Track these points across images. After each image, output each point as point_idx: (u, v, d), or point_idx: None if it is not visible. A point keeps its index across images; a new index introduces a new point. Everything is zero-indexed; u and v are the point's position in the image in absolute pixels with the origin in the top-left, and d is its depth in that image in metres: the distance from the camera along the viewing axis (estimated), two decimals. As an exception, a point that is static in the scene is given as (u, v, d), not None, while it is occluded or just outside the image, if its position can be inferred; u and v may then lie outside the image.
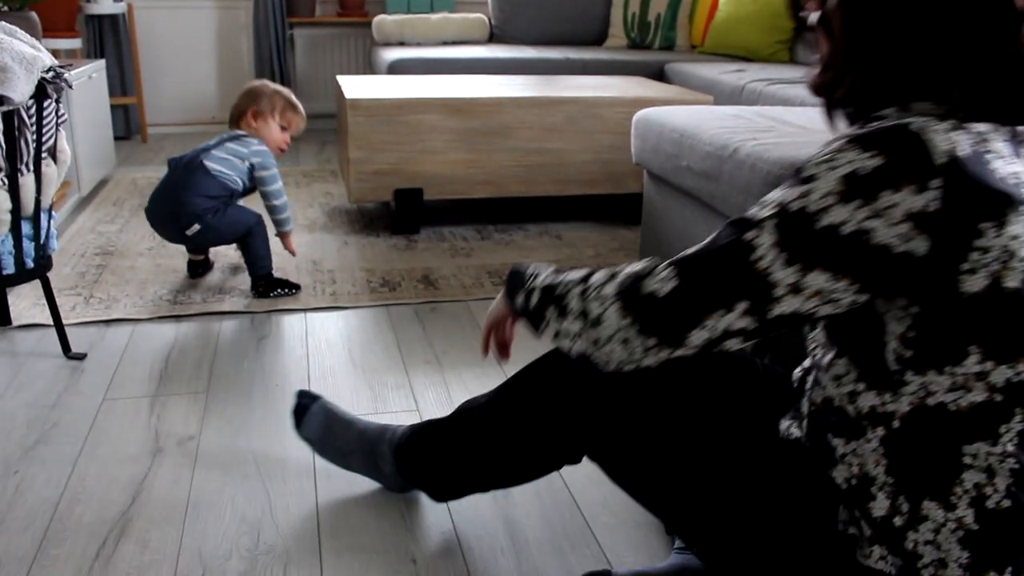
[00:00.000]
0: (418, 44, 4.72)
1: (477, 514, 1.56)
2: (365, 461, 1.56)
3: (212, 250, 2.84)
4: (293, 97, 2.75)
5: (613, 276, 1.06)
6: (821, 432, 1.06)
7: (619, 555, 1.48)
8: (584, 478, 1.68)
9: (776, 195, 0.96)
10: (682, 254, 1.02)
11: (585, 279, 1.10)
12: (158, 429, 1.83)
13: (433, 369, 2.13)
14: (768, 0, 4.57)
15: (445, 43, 4.79)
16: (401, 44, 4.71)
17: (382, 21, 4.76)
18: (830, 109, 1.07)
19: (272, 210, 2.64)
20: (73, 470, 1.67)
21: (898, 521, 0.99)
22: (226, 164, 2.54)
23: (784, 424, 1.17)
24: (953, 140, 0.89)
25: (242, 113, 2.68)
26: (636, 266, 1.06)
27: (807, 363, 1.17)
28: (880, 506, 1.00)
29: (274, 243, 2.66)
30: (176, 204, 2.51)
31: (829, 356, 1.05)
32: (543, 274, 1.18)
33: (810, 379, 1.13)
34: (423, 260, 2.92)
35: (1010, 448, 0.95)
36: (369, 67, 5.06)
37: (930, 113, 0.95)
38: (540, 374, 1.26)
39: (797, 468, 1.09)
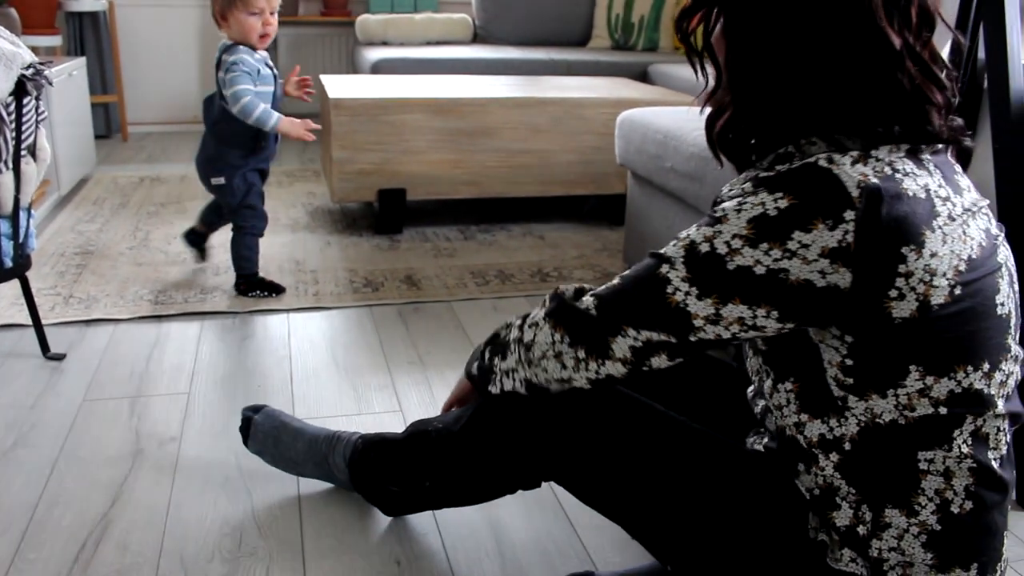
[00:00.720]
0: (401, 44, 4.71)
1: (461, 516, 1.56)
2: (319, 471, 1.55)
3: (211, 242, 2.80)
4: None
5: (546, 303, 1.13)
6: (783, 448, 1.07)
7: (604, 556, 1.47)
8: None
9: (690, 232, 0.97)
10: (603, 288, 1.06)
11: (523, 318, 1.17)
12: (139, 431, 1.81)
13: (416, 369, 2.12)
14: (751, 2, 4.58)
15: (429, 43, 4.78)
16: (384, 44, 4.69)
17: (365, 21, 4.74)
18: (718, 139, 1.05)
19: (242, 117, 2.41)
20: (52, 472, 1.65)
21: (861, 530, 0.99)
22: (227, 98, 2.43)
23: (749, 440, 1.18)
24: (861, 171, 0.89)
25: (216, 23, 2.46)
26: (568, 289, 1.12)
27: (752, 389, 1.18)
28: (843, 515, 1.00)
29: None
30: (205, 151, 2.56)
31: (768, 383, 1.06)
32: (488, 336, 1.25)
33: (760, 404, 1.13)
34: (406, 260, 2.91)
35: (965, 449, 0.96)
36: (352, 67, 5.04)
37: (829, 146, 0.94)
38: (499, 402, 1.24)
39: (764, 478, 1.09)
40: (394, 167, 3.12)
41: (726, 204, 0.95)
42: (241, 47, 2.40)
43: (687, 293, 0.96)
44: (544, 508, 1.59)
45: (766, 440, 1.11)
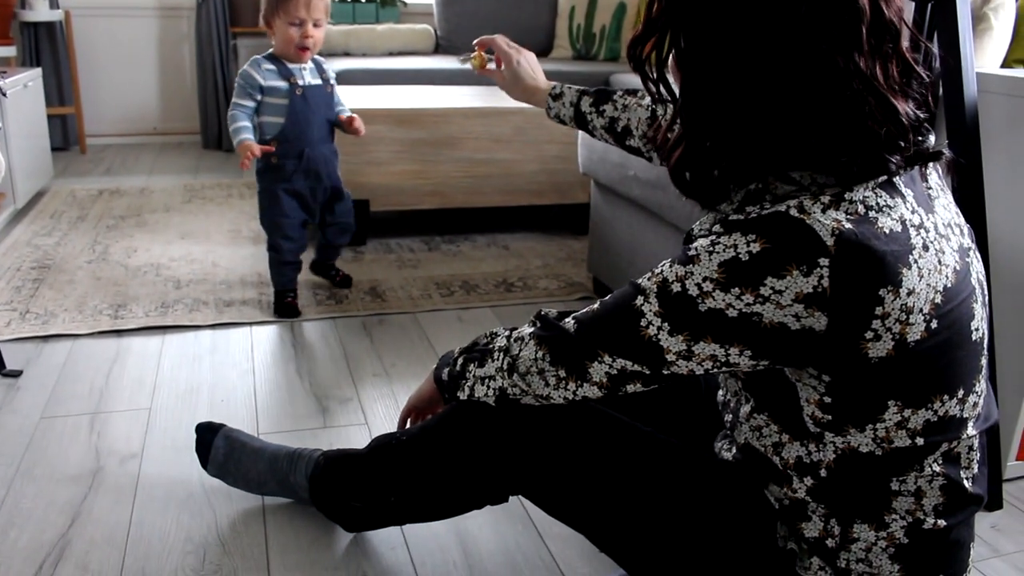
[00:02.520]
0: (364, 55, 4.69)
1: (429, 529, 1.54)
2: (281, 489, 1.53)
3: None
4: None
5: (532, 323, 1.13)
6: (753, 464, 1.07)
7: (573, 568, 1.47)
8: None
9: (664, 267, 0.96)
10: (583, 312, 1.07)
11: (511, 330, 1.18)
12: (98, 448, 1.78)
13: (382, 382, 2.11)
14: (711, 12, 4.62)
15: (391, 54, 4.77)
16: (347, 55, 4.67)
17: (327, 31, 4.71)
18: (674, 174, 1.02)
19: None
20: (8, 492, 1.62)
21: (830, 543, 1.00)
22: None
23: (717, 445, 1.18)
24: (834, 217, 0.86)
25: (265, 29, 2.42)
26: (552, 312, 1.12)
27: (723, 396, 1.18)
28: (813, 527, 1.01)
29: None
30: None
31: (746, 408, 1.06)
32: (466, 344, 1.25)
33: (729, 416, 1.13)
34: (370, 272, 2.90)
35: (937, 468, 0.96)
36: (314, 77, 5.01)
37: (803, 188, 0.92)
38: (464, 415, 1.24)
39: (733, 487, 1.09)
40: (357, 178, 3.10)
41: (699, 243, 0.93)
42: (261, 59, 2.36)
43: (660, 328, 0.95)
44: (513, 520, 1.59)
45: (734, 451, 1.11)
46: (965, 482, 0.99)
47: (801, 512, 1.02)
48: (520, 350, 1.11)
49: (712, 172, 0.98)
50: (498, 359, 1.15)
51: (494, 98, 3.48)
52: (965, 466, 0.99)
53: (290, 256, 2.50)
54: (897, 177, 0.92)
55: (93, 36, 4.85)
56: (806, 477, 0.99)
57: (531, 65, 1.61)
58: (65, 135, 4.77)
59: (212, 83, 4.84)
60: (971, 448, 0.99)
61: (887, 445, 0.94)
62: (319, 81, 2.42)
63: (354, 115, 2.47)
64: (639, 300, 0.97)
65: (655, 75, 1.00)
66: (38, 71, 3.81)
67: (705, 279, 0.90)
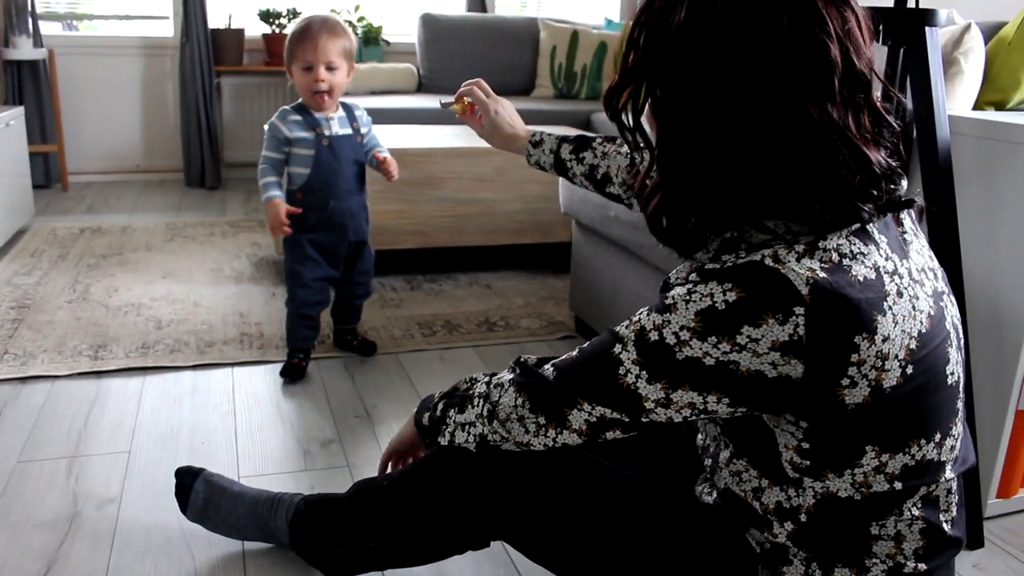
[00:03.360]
0: (347, 93, 4.71)
1: (410, 572, 1.53)
2: (262, 534, 1.51)
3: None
4: (300, 22, 2.23)
5: (512, 369, 1.14)
6: (733, 508, 1.07)
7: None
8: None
9: (641, 315, 0.97)
10: (562, 359, 1.08)
11: (490, 376, 1.18)
12: (76, 492, 1.76)
13: (363, 424, 2.10)
14: (691, 53, 4.68)
15: (374, 92, 4.80)
16: (329, 93, 4.70)
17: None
18: (651, 222, 1.03)
19: None
20: (-15, 538, 1.60)
21: None
22: None
23: (698, 489, 1.19)
24: (808, 267, 0.87)
25: None
26: (531, 358, 1.14)
27: (702, 440, 1.19)
28: (794, 571, 1.02)
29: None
30: None
31: (726, 454, 1.06)
32: (446, 389, 1.26)
33: (709, 461, 1.14)
34: (352, 311, 2.89)
35: (916, 512, 0.97)
36: (297, 115, 5.03)
37: (778, 237, 0.93)
38: (446, 460, 1.23)
39: (714, 531, 1.09)
40: (339, 217, 3.10)
41: (676, 292, 0.94)
42: (288, 110, 2.26)
43: (638, 376, 0.96)
44: (495, 564, 1.58)
45: (715, 495, 1.12)
46: (944, 525, 0.99)
47: (782, 556, 1.02)
48: (500, 397, 1.11)
49: (688, 220, 0.99)
50: (478, 405, 1.15)
51: (476, 138, 3.49)
52: (944, 509, 1.00)
53: (307, 309, 2.35)
54: (871, 224, 0.94)
55: (76, 74, 4.86)
56: (786, 522, 1.00)
57: (508, 113, 1.66)
58: (47, 173, 4.77)
59: (195, 121, 4.85)
60: (950, 491, 1.00)
61: (866, 490, 0.95)
62: (348, 131, 2.30)
63: (388, 157, 2.35)
64: (617, 348, 0.98)
65: (631, 124, 1.01)
66: (20, 109, 3.81)
67: (682, 328, 0.91)
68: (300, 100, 2.28)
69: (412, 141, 3.30)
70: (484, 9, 5.41)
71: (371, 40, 5.15)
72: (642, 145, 1.03)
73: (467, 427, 1.17)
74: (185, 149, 4.93)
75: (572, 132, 1.60)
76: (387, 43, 5.23)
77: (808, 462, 0.95)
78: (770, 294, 0.87)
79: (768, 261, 0.89)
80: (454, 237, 3.28)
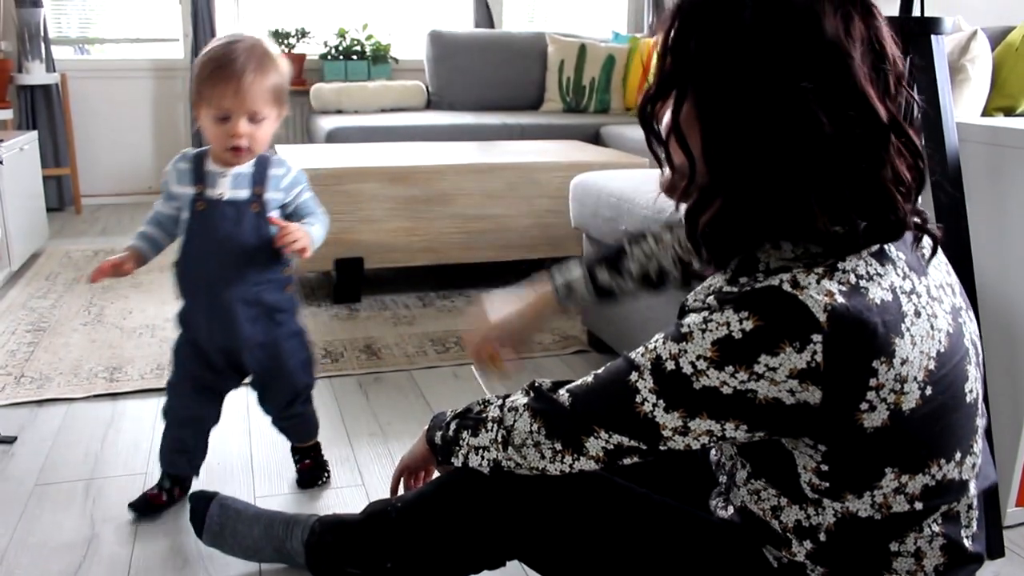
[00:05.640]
0: (356, 112, 4.75)
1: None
2: (278, 556, 1.51)
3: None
4: (215, 50, 1.58)
5: (525, 392, 1.12)
6: (750, 527, 1.07)
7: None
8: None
9: (657, 343, 0.96)
10: (577, 384, 1.06)
11: (503, 399, 1.16)
12: (93, 515, 1.77)
13: (378, 441, 2.11)
14: (698, 64, 4.70)
15: (383, 110, 4.83)
16: (339, 112, 4.73)
17: (320, 89, 4.78)
18: (705, 237, 0.99)
19: None
20: (2, 561, 1.61)
21: None
22: None
23: (712, 503, 1.18)
24: (827, 290, 0.86)
25: None
26: (546, 382, 1.12)
27: (716, 456, 1.18)
28: None
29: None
30: None
31: (743, 473, 1.06)
32: (459, 409, 1.23)
33: (724, 478, 1.13)
34: (365, 329, 2.90)
35: (936, 528, 0.96)
36: (307, 135, 5.07)
37: (796, 258, 0.92)
38: (459, 480, 1.23)
39: (731, 547, 1.09)
40: (351, 236, 3.12)
41: (691, 319, 0.93)
42: (186, 153, 1.70)
43: (655, 405, 0.95)
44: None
45: (731, 511, 1.11)
46: (965, 541, 0.99)
47: (800, 573, 1.01)
48: (515, 421, 1.10)
49: (724, 230, 0.96)
50: (492, 430, 1.14)
51: (486, 153, 3.52)
52: (965, 525, 0.99)
53: (175, 430, 1.79)
54: (888, 243, 0.93)
55: (89, 97, 4.90)
56: (805, 541, 0.99)
57: (509, 305, 1.54)
58: (60, 196, 4.81)
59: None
60: (970, 507, 0.99)
61: (886, 510, 0.94)
62: (243, 194, 1.64)
63: (297, 226, 1.65)
64: (633, 376, 0.97)
65: (672, 131, 0.96)
66: (34, 134, 3.85)
67: (699, 357, 0.91)
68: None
69: (422, 158, 3.31)
70: (492, 25, 5.44)
71: (380, 58, 5.19)
72: (665, 155, 1.00)
73: (481, 451, 1.16)
74: (197, 170, 4.96)
75: (573, 262, 1.49)
76: (396, 61, 5.26)
77: (827, 484, 0.94)
78: (787, 322, 0.86)
79: (786, 286, 0.88)
80: (466, 253, 3.29)
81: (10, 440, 2.07)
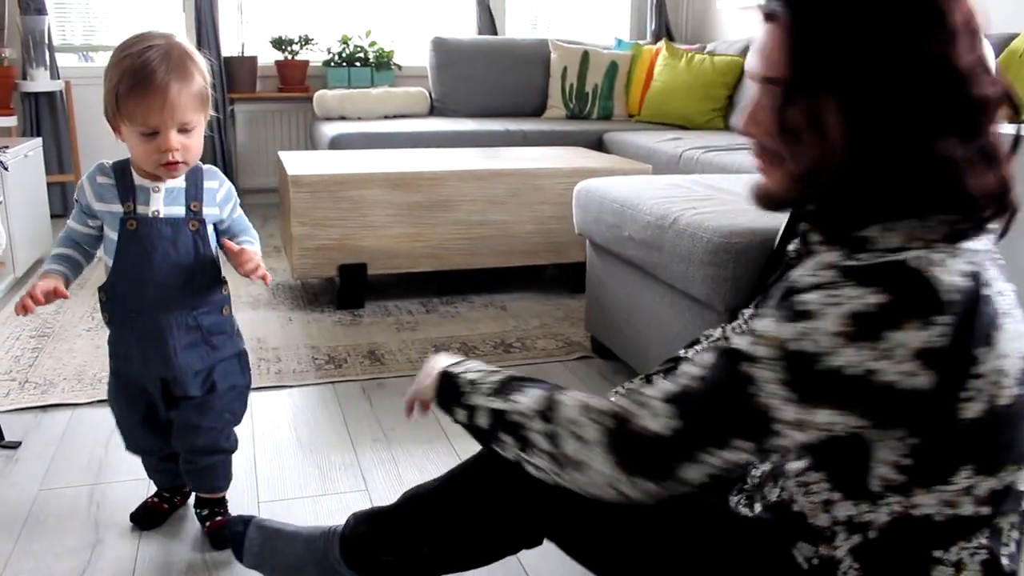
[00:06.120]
0: (359, 118, 4.76)
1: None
2: (319, 571, 1.49)
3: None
4: (130, 57, 1.45)
5: (586, 410, 1.03)
6: (785, 522, 1.06)
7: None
8: (538, 559, 1.66)
9: (769, 328, 0.91)
10: (676, 388, 0.98)
11: (545, 412, 1.07)
12: (98, 520, 1.77)
13: (381, 447, 2.11)
14: (702, 69, 4.71)
15: (387, 117, 4.84)
16: (342, 119, 4.74)
17: (323, 96, 4.79)
18: (800, 217, 0.99)
19: None
20: (6, 567, 1.61)
21: None
22: None
23: (733, 500, 1.18)
24: (952, 270, 0.86)
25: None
26: (621, 404, 1.01)
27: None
28: None
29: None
30: None
31: (798, 465, 1.04)
32: (483, 385, 1.17)
33: (758, 472, 1.13)
34: (369, 335, 2.91)
35: (984, 540, 0.95)
36: (311, 142, 5.08)
37: (917, 237, 0.90)
38: (495, 458, 1.24)
39: (756, 543, 1.09)
40: (354, 242, 3.13)
41: (810, 297, 0.89)
42: (103, 167, 1.56)
43: (776, 397, 0.90)
44: (513, 586, 1.58)
45: (758, 508, 1.11)
46: (1003, 559, 0.98)
47: (831, 573, 1.01)
48: (587, 458, 1.01)
49: (853, 208, 0.95)
50: (548, 461, 1.06)
51: (489, 160, 3.53)
52: (1005, 543, 0.98)
53: (147, 459, 1.76)
54: (985, 238, 0.93)
55: (92, 104, 4.86)
56: (854, 535, 0.98)
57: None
58: (64, 202, 4.81)
59: (210, 148, 4.90)
60: (1013, 525, 0.98)
61: (949, 510, 0.93)
62: (178, 210, 1.54)
63: (247, 248, 1.58)
64: (745, 366, 0.92)
65: (810, 126, 0.94)
66: (38, 141, 3.86)
67: (826, 334, 0.86)
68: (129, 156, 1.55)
69: (425, 164, 3.32)
70: (495, 31, 5.45)
71: (383, 65, 5.20)
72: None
73: (526, 463, 1.11)
74: (200, 176, 4.97)
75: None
76: (399, 67, 5.27)
77: (904, 478, 0.93)
78: (914, 299, 0.84)
79: (912, 263, 0.86)
80: (468, 259, 3.29)
81: (14, 445, 2.07)
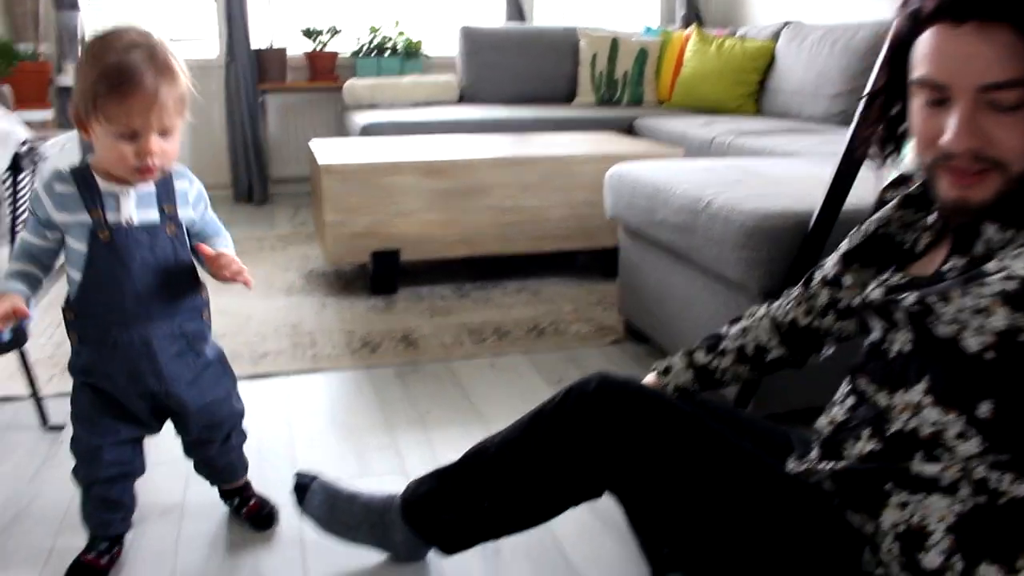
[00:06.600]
0: (390, 107, 4.77)
1: (467, 573, 1.55)
2: (373, 532, 1.52)
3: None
4: (110, 57, 1.35)
5: None
6: (862, 479, 1.07)
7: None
8: (574, 533, 1.67)
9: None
10: None
11: None
12: (140, 500, 1.79)
13: (418, 429, 2.12)
14: (732, 54, 4.67)
15: (416, 105, 4.85)
16: (372, 107, 4.75)
17: (353, 85, 4.81)
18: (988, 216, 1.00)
19: None
20: (52, 551, 1.64)
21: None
22: None
23: (791, 465, 1.19)
24: None
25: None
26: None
27: (841, 415, 1.17)
28: (931, 560, 1.00)
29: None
30: None
31: (957, 428, 1.01)
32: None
33: (862, 429, 1.11)
34: (402, 320, 2.92)
35: None
36: (341, 131, 5.10)
37: None
38: (558, 412, 1.27)
39: (814, 508, 1.10)
40: (387, 229, 3.14)
41: None
42: (60, 174, 1.42)
43: None
44: (552, 565, 1.58)
45: (828, 465, 1.12)
46: None
47: (919, 542, 1.01)
48: None
49: None
50: None
51: (520, 146, 3.53)
52: None
53: (98, 489, 1.55)
54: None
55: (126, 97, 4.95)
56: (980, 496, 0.98)
57: None
58: (100, 194, 4.87)
59: (242, 138, 4.94)
60: None
61: None
62: (152, 216, 1.45)
63: (223, 251, 1.51)
64: None
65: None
66: (73, 133, 3.89)
67: None
68: (84, 159, 1.45)
69: (457, 152, 3.33)
70: (523, 19, 5.44)
71: (411, 54, 5.21)
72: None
73: None
74: (233, 166, 5.02)
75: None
76: (427, 57, 5.28)
77: None
78: None
79: None
80: (501, 245, 3.30)
81: (59, 428, 2.11)
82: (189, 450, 1.68)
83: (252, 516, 1.71)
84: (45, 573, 1.56)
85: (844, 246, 1.26)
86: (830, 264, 1.28)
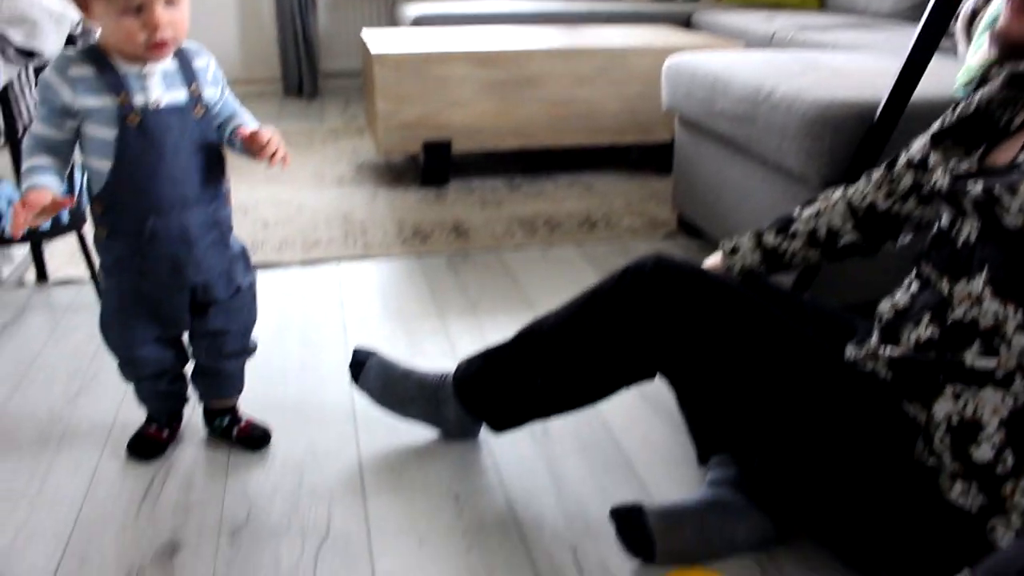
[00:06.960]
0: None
1: (517, 453, 1.57)
2: (426, 408, 1.54)
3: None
4: None
5: None
6: (918, 368, 1.06)
7: (660, 490, 1.47)
8: (623, 416, 1.68)
9: None
10: None
11: None
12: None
13: (468, 315, 2.13)
14: (797, -54, 4.48)
15: (468, -4, 4.74)
16: (424, -1, 4.66)
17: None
18: None
19: None
20: (116, 418, 1.69)
21: (999, 470, 0.99)
22: None
23: (850, 351, 1.17)
24: None
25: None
26: None
27: (904, 300, 1.15)
28: (983, 454, 1.00)
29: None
30: None
31: (1017, 321, 1.00)
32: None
33: (923, 315, 1.10)
34: (453, 211, 2.91)
35: None
36: (393, 23, 5.02)
37: None
38: (614, 291, 1.26)
39: (869, 397, 1.10)
40: (439, 119, 3.11)
41: None
42: (72, 57, 1.29)
43: None
44: (600, 445, 1.60)
45: (886, 351, 1.11)
46: None
47: (972, 435, 1.01)
48: None
49: None
50: None
51: (576, 37, 3.44)
52: None
53: (146, 384, 1.56)
54: None
55: None
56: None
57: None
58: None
59: (291, 31, 4.88)
60: None
61: None
62: (180, 96, 1.35)
63: (261, 130, 1.42)
64: None
65: None
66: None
67: None
68: (89, 40, 1.35)
69: (511, 42, 3.26)
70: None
71: (465, -57, 5.07)
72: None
73: None
74: (282, 59, 4.98)
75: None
76: (481, -54, 5.14)
77: None
78: None
79: None
80: (554, 137, 3.25)
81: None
82: (200, 353, 1.56)
83: (244, 437, 1.61)
84: (109, 443, 1.61)
85: (935, 127, 1.22)
86: (917, 146, 1.25)
